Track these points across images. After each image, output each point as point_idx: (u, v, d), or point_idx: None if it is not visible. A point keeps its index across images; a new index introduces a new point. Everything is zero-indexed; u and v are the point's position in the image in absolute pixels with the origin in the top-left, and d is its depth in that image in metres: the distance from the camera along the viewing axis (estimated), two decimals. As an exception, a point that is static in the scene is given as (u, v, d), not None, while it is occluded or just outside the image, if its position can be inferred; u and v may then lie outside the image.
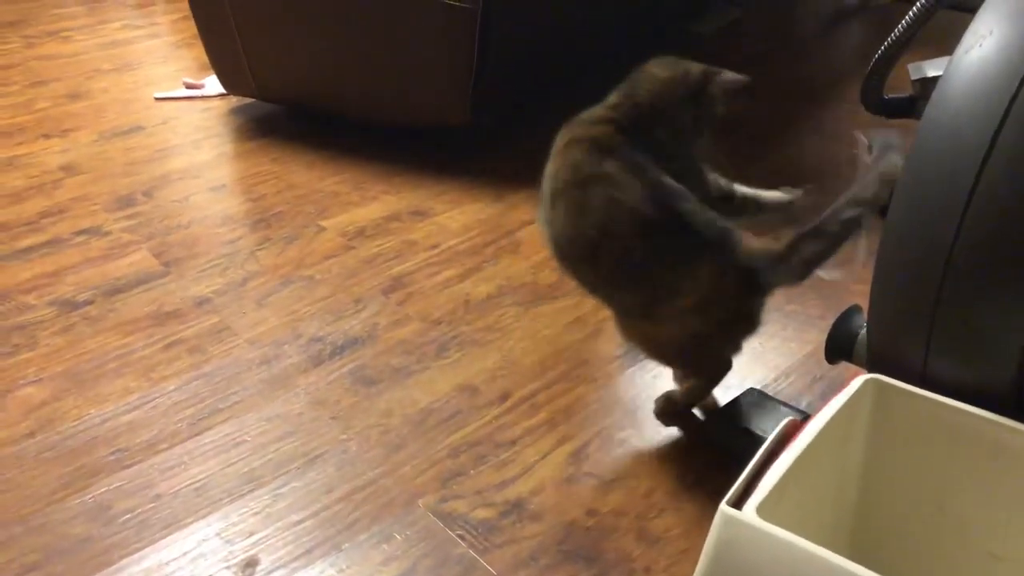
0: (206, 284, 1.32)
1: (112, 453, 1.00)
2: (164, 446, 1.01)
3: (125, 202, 1.57)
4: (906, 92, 1.50)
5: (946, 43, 1.58)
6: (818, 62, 2.26)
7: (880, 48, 1.39)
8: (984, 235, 0.62)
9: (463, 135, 1.73)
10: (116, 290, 1.31)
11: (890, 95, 1.48)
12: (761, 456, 0.65)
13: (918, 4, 1.31)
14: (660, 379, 1.10)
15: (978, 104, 0.62)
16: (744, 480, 0.63)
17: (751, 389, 1.02)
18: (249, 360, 1.15)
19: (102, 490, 0.95)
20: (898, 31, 1.35)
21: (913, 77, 1.47)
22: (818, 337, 1.16)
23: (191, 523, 0.91)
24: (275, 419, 1.05)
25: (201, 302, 1.28)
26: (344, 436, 1.02)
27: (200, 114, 1.96)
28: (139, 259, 1.39)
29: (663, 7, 2.18)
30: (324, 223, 1.49)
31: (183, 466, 0.98)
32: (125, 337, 1.20)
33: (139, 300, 1.28)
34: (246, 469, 0.98)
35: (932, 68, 1.46)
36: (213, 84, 2.03)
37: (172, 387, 1.11)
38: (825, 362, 0.94)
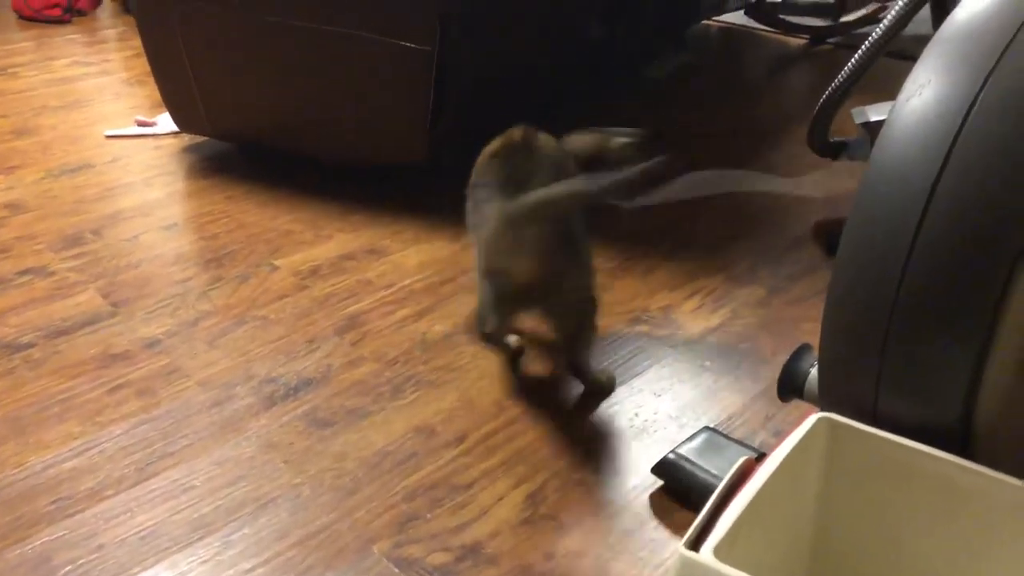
0: (156, 325, 1.29)
1: (54, 502, 0.97)
2: (109, 493, 0.98)
3: (72, 241, 1.54)
4: (851, 136, 1.55)
5: (887, 89, 1.65)
6: (766, 105, 2.33)
7: (825, 93, 1.44)
8: (928, 276, 0.64)
9: (421, 173, 1.73)
10: (60, 332, 1.27)
11: (835, 138, 1.53)
12: (717, 497, 0.65)
13: (860, 52, 1.36)
14: (617, 418, 1.11)
15: (919, 150, 0.64)
16: (701, 521, 0.63)
17: (705, 428, 1.03)
18: (199, 403, 1.13)
19: (43, 540, 0.92)
20: (842, 77, 1.40)
21: (857, 121, 1.52)
22: (771, 375, 1.18)
23: (137, 573, 0.88)
24: (226, 463, 1.03)
25: (150, 343, 1.25)
26: (297, 480, 1.00)
27: (152, 152, 1.94)
28: (86, 300, 1.36)
29: (616, 51, 2.22)
30: (278, 262, 1.47)
31: (129, 514, 0.95)
32: (69, 380, 1.17)
33: (85, 342, 1.25)
34: (195, 516, 0.95)
35: (875, 112, 1.51)
36: (166, 122, 2.01)
37: (118, 431, 1.07)
38: (778, 400, 0.96)
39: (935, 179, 0.63)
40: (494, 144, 1.13)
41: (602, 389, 1.15)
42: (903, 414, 0.70)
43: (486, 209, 1.06)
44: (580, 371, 1.14)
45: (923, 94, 0.66)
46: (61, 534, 0.92)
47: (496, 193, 1.05)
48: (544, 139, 1.13)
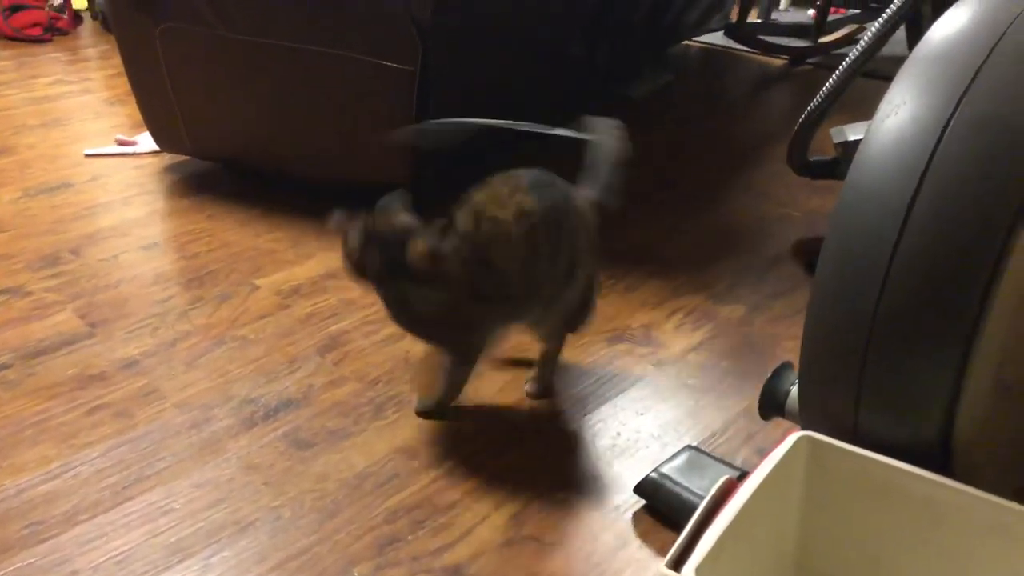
0: (134, 345, 1.28)
1: (27, 526, 0.95)
2: (84, 517, 0.96)
3: (50, 261, 1.52)
4: (829, 155, 1.56)
5: (864, 108, 1.66)
6: (746, 125, 2.35)
7: (804, 113, 1.45)
8: (906, 294, 0.65)
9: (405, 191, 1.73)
10: (37, 352, 1.25)
11: (814, 157, 1.54)
12: (699, 516, 0.65)
13: (838, 72, 1.38)
14: (599, 438, 1.10)
15: (896, 169, 0.65)
16: (683, 541, 0.63)
17: (688, 446, 1.03)
18: (178, 424, 1.11)
19: (15, 567, 0.90)
20: (820, 97, 1.41)
21: (835, 140, 1.53)
22: (753, 393, 1.17)
23: (112, 599, 0.87)
24: (205, 485, 1.01)
25: (128, 364, 1.23)
26: (277, 502, 0.99)
27: (132, 171, 1.93)
28: (63, 320, 1.34)
29: (598, 71, 2.24)
30: (259, 281, 1.46)
31: (104, 538, 0.94)
32: (45, 402, 1.15)
33: (62, 363, 1.23)
34: (173, 539, 0.94)
35: (853, 132, 1.52)
36: (146, 141, 2.00)
37: (95, 454, 1.06)
38: (760, 418, 0.96)
39: (912, 197, 0.64)
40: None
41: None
42: (883, 432, 0.70)
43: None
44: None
45: (899, 114, 0.66)
46: (33, 560, 0.91)
47: None
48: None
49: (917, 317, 0.65)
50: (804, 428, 0.75)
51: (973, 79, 0.64)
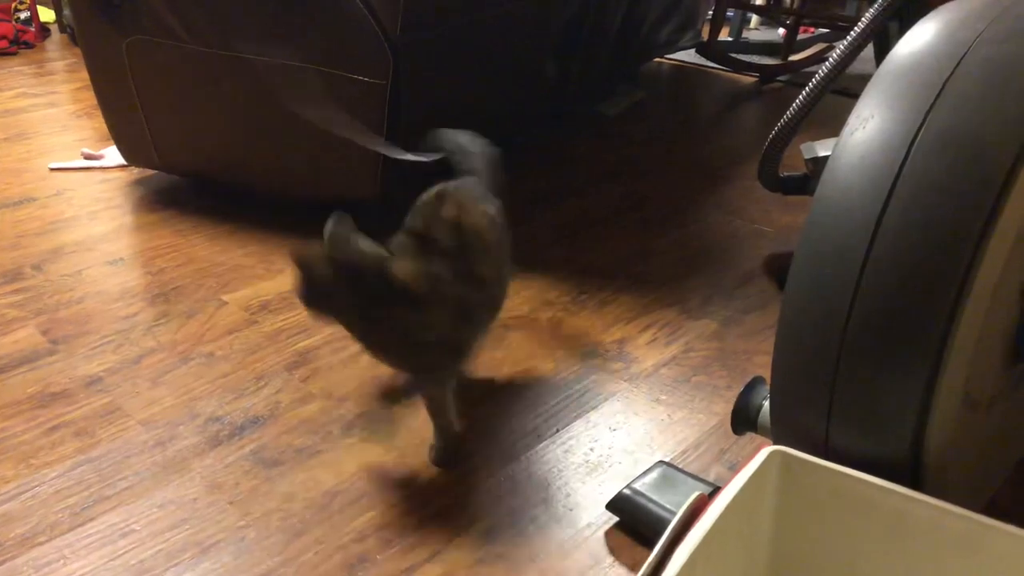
0: (97, 362, 1.25)
1: (-18, 549, 0.92)
2: (42, 539, 0.93)
3: (11, 276, 1.49)
4: (800, 171, 1.58)
5: (834, 125, 1.68)
6: (718, 141, 2.36)
7: (774, 129, 1.46)
8: (875, 309, 0.65)
9: (373, 209, 1.72)
10: (-4, 370, 1.22)
11: (785, 173, 1.56)
12: (670, 533, 0.64)
13: (807, 89, 1.39)
14: (571, 454, 1.09)
15: (864, 183, 0.65)
16: (654, 559, 0.62)
17: (660, 462, 1.02)
18: (141, 443, 1.09)
19: (-32, 591, 0.87)
20: (790, 114, 1.42)
21: (806, 156, 1.54)
22: (725, 408, 1.18)
23: (69, 625, 0.84)
24: (168, 506, 0.99)
25: (91, 382, 1.21)
26: (242, 522, 0.97)
27: (98, 185, 1.90)
28: (24, 336, 1.31)
29: (570, 88, 2.25)
30: (226, 297, 1.44)
31: (62, 561, 0.91)
32: (3, 421, 1.12)
33: (21, 380, 1.20)
34: (134, 561, 0.91)
35: (823, 148, 1.54)
36: (113, 155, 1.97)
37: (54, 474, 1.03)
38: (732, 433, 0.95)
39: (880, 212, 0.64)
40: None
41: None
42: (854, 446, 0.70)
43: None
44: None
45: (866, 128, 0.66)
46: (-11, 584, 0.88)
47: None
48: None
49: (887, 332, 0.65)
50: (776, 443, 0.75)
51: (939, 93, 0.64)
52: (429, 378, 1.06)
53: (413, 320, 0.98)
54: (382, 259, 0.97)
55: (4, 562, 0.90)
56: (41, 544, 0.93)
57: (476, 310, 1.05)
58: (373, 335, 1.01)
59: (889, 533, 0.69)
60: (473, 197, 1.06)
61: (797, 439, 0.74)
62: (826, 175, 0.68)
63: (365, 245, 0.97)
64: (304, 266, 0.95)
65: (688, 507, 0.67)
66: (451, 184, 1.08)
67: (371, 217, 1.09)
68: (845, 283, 0.65)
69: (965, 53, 0.66)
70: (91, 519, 0.97)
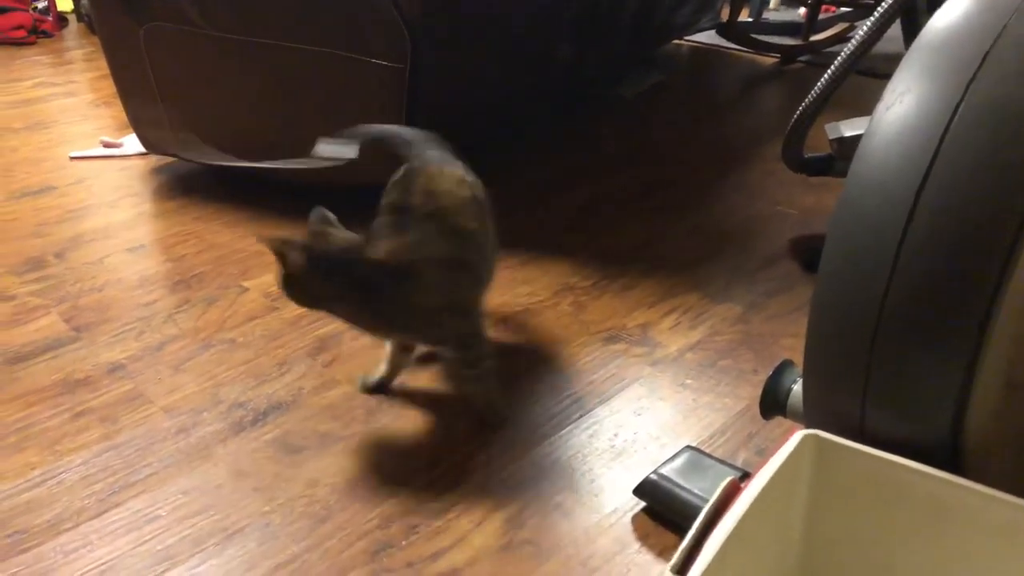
0: (120, 349, 1.25)
1: (8, 536, 0.92)
2: (68, 526, 0.94)
3: (34, 264, 1.49)
4: (824, 151, 1.55)
5: (858, 105, 1.64)
6: (738, 123, 2.33)
7: (798, 109, 1.44)
8: (913, 289, 0.63)
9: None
10: (20, 358, 1.22)
11: (809, 154, 1.53)
12: (703, 520, 0.63)
13: (832, 67, 1.36)
14: (596, 439, 1.08)
15: (901, 159, 0.63)
16: (687, 545, 0.61)
17: (687, 447, 1.00)
18: (165, 429, 1.09)
19: (-4, 577, 0.87)
20: (814, 94, 1.40)
21: (831, 136, 1.52)
22: (752, 392, 1.16)
23: (96, 611, 0.84)
24: (192, 492, 0.99)
25: (114, 368, 1.21)
26: (267, 508, 0.97)
27: (118, 173, 1.90)
28: (47, 324, 1.31)
29: (588, 70, 2.22)
30: (247, 283, 1.44)
31: (89, 547, 0.91)
32: (28, 408, 1.12)
33: (46, 368, 1.20)
34: (160, 547, 0.91)
35: (848, 128, 1.51)
36: (132, 143, 1.97)
37: (79, 461, 1.03)
38: (760, 417, 0.94)
39: (918, 188, 0.62)
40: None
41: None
42: (890, 430, 0.68)
43: None
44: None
45: (903, 102, 0.64)
46: (16, 570, 0.88)
47: None
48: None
49: (925, 311, 0.63)
50: (808, 427, 0.73)
51: (980, 65, 0.62)
52: (456, 344, 1.07)
53: (410, 290, 1.00)
54: (358, 246, 1.00)
55: (31, 548, 0.91)
56: (67, 530, 0.93)
57: (469, 263, 1.07)
58: (381, 318, 1.02)
59: (927, 519, 0.67)
60: (438, 163, 1.11)
61: (830, 423, 0.72)
62: (861, 151, 0.66)
63: (346, 235, 1.02)
64: (282, 257, 0.98)
65: (721, 492, 0.66)
66: (415, 160, 1.13)
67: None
68: (881, 261, 0.63)
69: (1006, 24, 0.64)
70: (116, 505, 0.97)
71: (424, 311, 1.02)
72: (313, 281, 0.99)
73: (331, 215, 1.04)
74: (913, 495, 0.67)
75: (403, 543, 0.92)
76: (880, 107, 0.67)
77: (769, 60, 2.88)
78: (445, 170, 1.10)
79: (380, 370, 1.15)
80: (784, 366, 0.93)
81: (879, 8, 1.30)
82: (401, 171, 1.12)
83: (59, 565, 0.89)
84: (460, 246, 1.05)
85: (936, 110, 0.62)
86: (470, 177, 1.13)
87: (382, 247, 1.00)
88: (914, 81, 0.65)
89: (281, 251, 0.98)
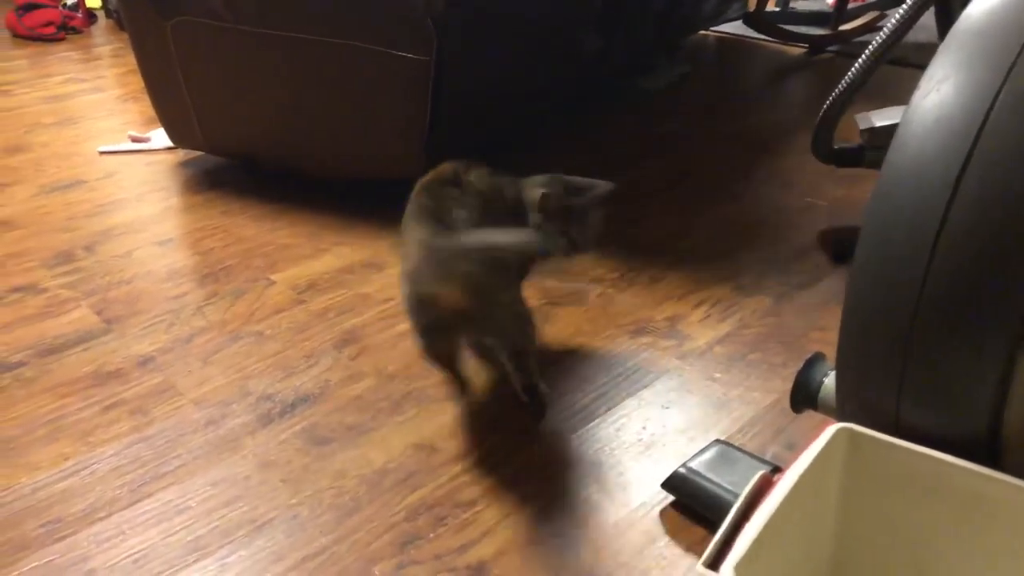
0: (149, 342, 1.26)
1: (43, 525, 0.93)
2: (101, 515, 0.95)
3: (64, 258, 1.51)
4: (854, 142, 1.53)
5: (888, 95, 1.62)
6: (766, 114, 2.31)
7: (828, 100, 1.42)
8: (952, 279, 0.61)
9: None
10: (52, 350, 1.24)
11: (839, 145, 1.51)
12: (736, 513, 0.62)
13: (863, 57, 1.34)
14: (623, 432, 1.07)
15: (939, 147, 0.62)
16: (720, 539, 0.60)
17: (717, 440, 1.00)
18: (194, 421, 1.10)
19: (31, 566, 0.88)
20: (844, 84, 1.38)
21: (861, 127, 1.50)
22: (782, 386, 1.15)
23: (128, 600, 0.85)
24: (221, 483, 0.99)
25: (144, 361, 1.22)
26: (294, 500, 0.97)
27: (146, 168, 1.92)
28: (78, 317, 1.33)
29: (613, 62, 2.21)
30: (274, 277, 1.44)
31: (121, 536, 0.92)
32: (61, 399, 1.13)
33: (77, 360, 1.22)
34: (190, 538, 0.92)
35: (879, 118, 1.49)
36: (160, 137, 1.98)
37: (111, 452, 1.04)
38: (790, 411, 0.93)
39: (957, 177, 0.60)
40: (425, 177, 1.12)
41: (543, 408, 1.11)
42: (927, 424, 0.67)
43: (410, 239, 1.03)
44: (530, 388, 1.10)
45: (941, 90, 0.63)
46: (51, 559, 0.89)
47: (419, 224, 1.03)
48: (477, 175, 1.12)
49: (964, 302, 0.61)
50: (841, 420, 0.72)
51: (1022, 50, 0.61)
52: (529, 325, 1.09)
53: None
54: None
55: (66, 537, 0.92)
56: (101, 520, 0.94)
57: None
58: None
59: (964, 514, 0.66)
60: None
61: (864, 416, 0.71)
62: (897, 140, 0.65)
63: (478, 176, 1.12)
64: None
65: (753, 486, 0.65)
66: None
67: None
68: (919, 251, 0.62)
69: (1049, 8, 0.63)
70: (147, 496, 0.97)
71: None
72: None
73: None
74: (950, 489, 0.66)
75: (431, 535, 0.92)
76: (917, 95, 0.66)
77: (797, 50, 2.85)
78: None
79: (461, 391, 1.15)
80: (815, 359, 0.91)
81: (911, -4, 1.27)
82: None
83: (93, 554, 0.90)
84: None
85: (976, 97, 0.61)
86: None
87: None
88: (952, 68, 0.64)
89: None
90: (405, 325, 1.30)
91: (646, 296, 1.38)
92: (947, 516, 0.67)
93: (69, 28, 3.10)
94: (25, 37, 3.02)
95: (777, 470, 0.87)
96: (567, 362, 1.21)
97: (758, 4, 2.77)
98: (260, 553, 0.90)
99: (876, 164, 1.51)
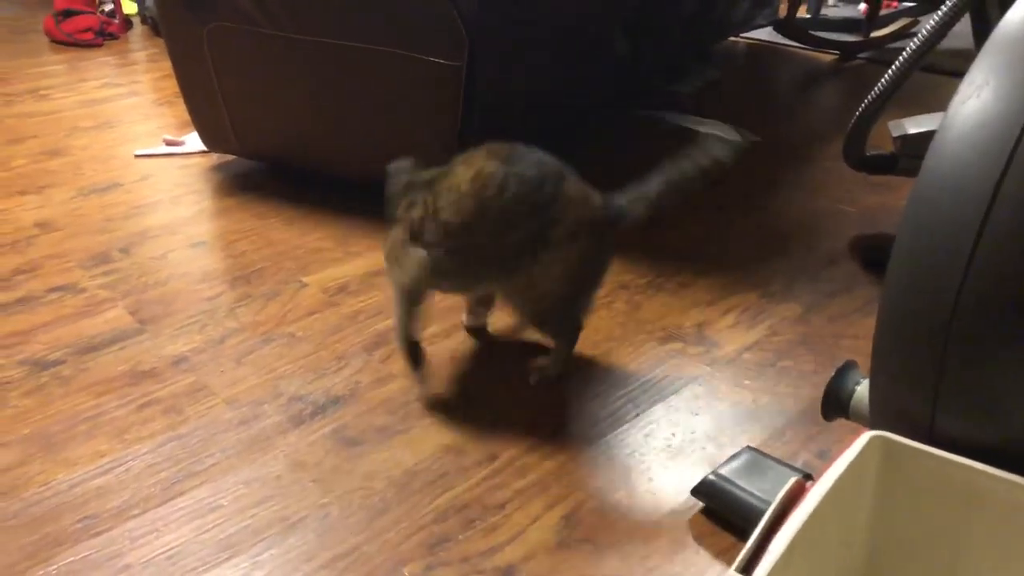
0: (183, 342, 1.28)
1: (80, 520, 0.95)
2: (135, 512, 0.96)
3: (101, 259, 1.53)
4: (887, 149, 1.52)
5: (921, 102, 1.60)
6: (796, 121, 2.30)
7: (861, 106, 1.41)
8: (990, 285, 0.61)
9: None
10: (89, 348, 1.26)
11: (871, 152, 1.50)
12: (768, 520, 0.62)
13: (897, 63, 1.33)
14: (652, 438, 1.07)
15: (979, 153, 0.62)
16: (752, 546, 0.60)
17: (747, 447, 0.99)
18: (227, 420, 1.11)
19: (68, 560, 0.90)
20: (877, 90, 1.37)
21: (894, 134, 1.48)
22: (812, 393, 1.14)
23: (162, 595, 0.86)
24: (253, 482, 1.01)
25: (178, 361, 1.24)
26: (325, 500, 0.98)
27: (180, 171, 1.95)
28: (114, 317, 1.35)
29: (643, 67, 2.21)
30: (306, 279, 1.46)
31: (156, 533, 0.93)
32: (97, 397, 1.15)
33: (113, 359, 1.24)
34: (222, 536, 0.93)
35: (912, 125, 1.48)
36: (194, 141, 2.01)
37: (145, 449, 1.06)
38: (820, 419, 0.92)
39: (997, 182, 0.60)
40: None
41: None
42: (963, 432, 0.66)
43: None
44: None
45: (981, 95, 0.63)
46: (87, 554, 0.91)
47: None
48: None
49: (1003, 309, 0.61)
50: (874, 429, 0.72)
51: (1064, 57, 0.60)
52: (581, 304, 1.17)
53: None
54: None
55: (102, 532, 0.93)
56: (135, 516, 0.96)
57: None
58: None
59: (1000, 526, 0.65)
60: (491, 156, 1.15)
61: (899, 424, 0.71)
62: (935, 145, 0.65)
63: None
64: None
65: (786, 493, 0.65)
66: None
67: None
68: (957, 257, 0.62)
69: (1091, 14, 0.62)
70: (181, 493, 0.99)
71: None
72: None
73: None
74: (985, 500, 0.66)
75: (460, 537, 0.93)
76: (956, 100, 0.65)
77: (827, 57, 2.83)
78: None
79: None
80: (847, 367, 0.91)
81: (947, 2, 1.26)
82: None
83: (128, 550, 0.91)
84: None
85: (1016, 102, 0.60)
86: None
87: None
88: (992, 74, 0.64)
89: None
90: (435, 327, 1.31)
91: (675, 302, 1.37)
92: (983, 527, 0.66)
93: (106, 34, 3.15)
94: (63, 42, 3.08)
95: (809, 477, 0.87)
96: (595, 367, 1.21)
97: (789, 10, 2.75)
98: (291, 552, 0.91)
99: (909, 171, 1.50)
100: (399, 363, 1.22)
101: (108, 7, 3.24)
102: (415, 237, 1.11)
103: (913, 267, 0.65)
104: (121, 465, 1.03)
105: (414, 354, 1.16)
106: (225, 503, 0.98)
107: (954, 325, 0.63)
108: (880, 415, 0.73)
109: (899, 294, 0.67)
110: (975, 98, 0.63)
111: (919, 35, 1.31)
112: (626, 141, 2.11)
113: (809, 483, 0.67)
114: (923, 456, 0.68)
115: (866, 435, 0.69)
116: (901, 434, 0.69)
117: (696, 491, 0.95)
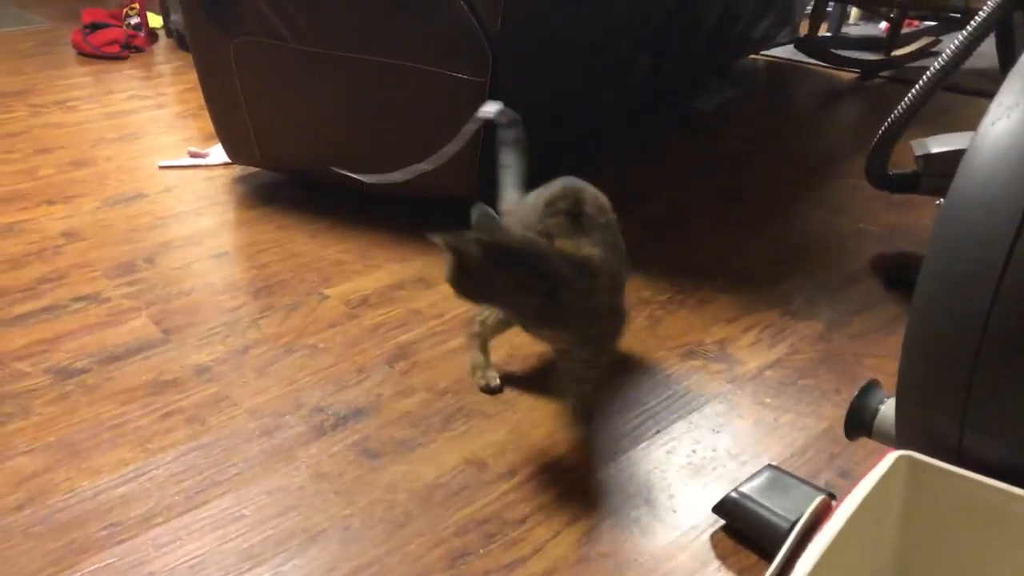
0: (206, 352, 1.29)
1: (104, 528, 0.96)
2: (159, 520, 0.97)
3: (126, 269, 1.55)
4: (909, 168, 1.51)
5: (943, 122, 1.60)
6: (817, 139, 2.29)
7: (884, 125, 1.41)
8: (1020, 307, 0.61)
9: (470, 205, 1.73)
10: (114, 357, 1.28)
11: (893, 170, 1.49)
12: (795, 538, 0.62)
13: (920, 83, 1.33)
14: (673, 455, 1.07)
15: (1009, 174, 0.62)
16: (778, 564, 0.60)
17: (769, 465, 0.99)
18: (249, 431, 1.12)
19: (92, 567, 0.91)
20: (901, 108, 1.36)
21: (917, 153, 1.48)
22: (833, 412, 1.14)
23: (185, 604, 0.87)
24: (275, 493, 1.01)
25: (201, 371, 1.25)
26: (347, 512, 0.98)
27: (204, 182, 1.97)
28: (138, 326, 1.36)
29: (664, 84, 2.22)
30: (327, 291, 1.47)
31: (179, 542, 0.94)
32: (122, 406, 1.17)
33: (137, 368, 1.25)
34: (245, 545, 0.94)
35: (936, 144, 1.47)
36: (217, 153, 2.03)
37: (169, 458, 1.07)
38: (842, 438, 0.92)
39: (1027, 204, 0.60)
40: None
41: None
42: (990, 453, 0.66)
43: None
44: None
45: (1012, 116, 0.63)
46: (111, 561, 0.91)
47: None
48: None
49: (1032, 331, 0.61)
50: (898, 448, 0.71)
51: (1095, 79, 0.60)
52: (605, 347, 1.12)
53: (593, 287, 1.04)
54: (540, 241, 1.04)
55: (126, 540, 0.94)
56: (159, 524, 0.96)
57: (619, 274, 1.13)
58: (554, 312, 1.03)
59: (1029, 547, 0.65)
60: (582, 184, 1.15)
61: (925, 444, 0.71)
62: (965, 166, 0.65)
63: (517, 231, 1.05)
64: (457, 252, 0.99)
65: (812, 512, 0.65)
66: (564, 179, 1.16)
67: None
68: (985, 278, 0.62)
69: (1122, 36, 0.62)
70: (204, 503, 1.00)
71: (595, 309, 1.06)
72: (491, 275, 0.99)
73: (492, 211, 1.06)
74: (1012, 521, 0.65)
75: (481, 551, 0.93)
76: (986, 121, 0.65)
77: (848, 75, 2.83)
78: (593, 190, 1.16)
79: (491, 376, 1.21)
80: (870, 386, 0.91)
81: (972, 22, 1.26)
82: (558, 183, 1.14)
83: (152, 558, 0.92)
84: (615, 259, 1.11)
85: (1047, 124, 0.61)
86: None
87: (567, 244, 1.04)
88: (1022, 96, 0.64)
89: (456, 246, 0.99)
90: (456, 341, 1.31)
91: (695, 319, 1.37)
92: (1009, 548, 0.66)
93: (132, 47, 3.20)
94: (90, 55, 3.12)
95: (832, 497, 0.87)
96: (616, 383, 1.21)
97: (810, 29, 2.76)
98: (313, 563, 0.91)
99: (932, 191, 1.49)
100: (420, 376, 1.23)
101: (134, 20, 3.28)
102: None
103: (942, 286, 0.65)
104: (145, 474, 1.04)
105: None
106: (248, 513, 0.98)
107: (983, 345, 0.63)
108: (907, 435, 0.73)
109: (928, 314, 0.67)
110: (1005, 119, 0.63)
111: (944, 54, 1.31)
112: (643, 157, 2.11)
113: (834, 502, 0.67)
114: (950, 476, 0.67)
115: (892, 455, 0.69)
116: (928, 454, 0.69)
117: (717, 509, 0.95)
